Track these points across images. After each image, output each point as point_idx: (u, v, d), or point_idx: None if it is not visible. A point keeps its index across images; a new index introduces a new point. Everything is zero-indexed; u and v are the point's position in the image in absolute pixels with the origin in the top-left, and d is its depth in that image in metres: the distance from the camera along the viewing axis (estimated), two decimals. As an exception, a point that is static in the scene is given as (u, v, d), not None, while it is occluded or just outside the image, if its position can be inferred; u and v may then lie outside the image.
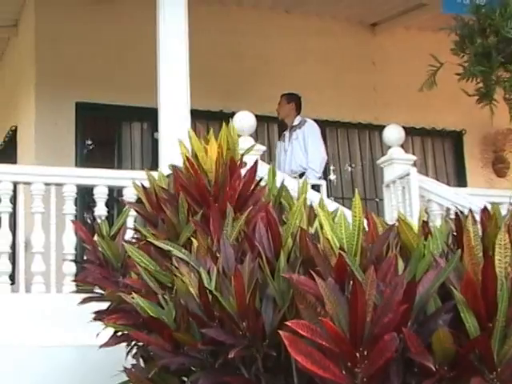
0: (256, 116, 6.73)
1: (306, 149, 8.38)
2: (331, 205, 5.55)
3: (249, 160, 3.97)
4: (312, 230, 3.16)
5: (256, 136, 7.58)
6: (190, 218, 3.49)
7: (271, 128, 10.20)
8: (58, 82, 9.11)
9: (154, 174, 4.03)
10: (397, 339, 2.45)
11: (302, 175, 8.02)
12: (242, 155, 3.78)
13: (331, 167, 10.55)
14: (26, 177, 6.15)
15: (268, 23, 10.22)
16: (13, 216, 6.36)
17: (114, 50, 9.32)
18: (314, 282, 2.66)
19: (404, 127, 7.85)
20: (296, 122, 8.68)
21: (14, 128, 10.20)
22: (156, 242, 3.46)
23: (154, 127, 7.12)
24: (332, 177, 10.54)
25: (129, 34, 9.32)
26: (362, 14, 10.59)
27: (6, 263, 5.94)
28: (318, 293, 2.63)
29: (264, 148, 6.89)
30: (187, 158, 3.60)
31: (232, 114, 6.64)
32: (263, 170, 4.03)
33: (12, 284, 6.05)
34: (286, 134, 8.73)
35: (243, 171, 3.67)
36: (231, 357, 2.87)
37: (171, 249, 3.33)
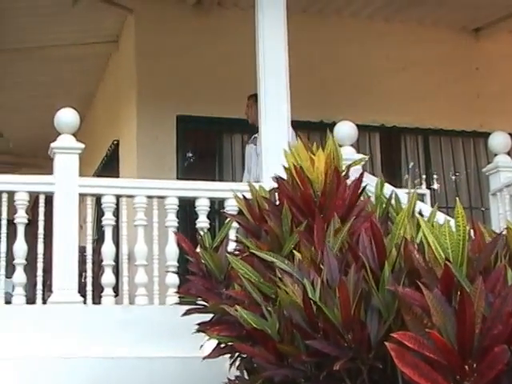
0: (356, 125, 6.71)
1: None
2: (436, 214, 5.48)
3: (351, 170, 3.98)
4: (417, 240, 3.14)
5: (357, 146, 7.55)
6: (294, 229, 3.51)
7: (372, 138, 10.15)
8: (159, 95, 9.29)
9: (256, 185, 4.07)
10: (508, 351, 2.41)
11: None
12: (349, 166, 3.78)
13: (434, 176, 10.42)
14: (128, 190, 6.28)
15: (367, 32, 10.18)
16: (116, 229, 6.51)
17: (214, 62, 9.44)
18: (420, 293, 2.64)
19: (510, 134, 7.69)
20: None
21: (116, 142, 10.44)
22: (259, 253, 3.49)
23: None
24: (436, 186, 10.40)
25: (228, 45, 9.43)
26: (464, 19, 10.43)
27: (110, 275, 6.07)
28: (425, 304, 2.61)
29: (366, 158, 6.85)
30: (295, 168, 3.61)
31: (332, 125, 6.63)
32: (367, 180, 4.01)
33: (116, 296, 6.17)
34: (257, 137, 7.68)
35: (348, 182, 3.68)
36: (336, 369, 2.87)
37: (274, 260, 3.35)
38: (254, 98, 7.81)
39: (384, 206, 3.70)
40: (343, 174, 3.69)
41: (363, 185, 3.77)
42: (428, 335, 2.51)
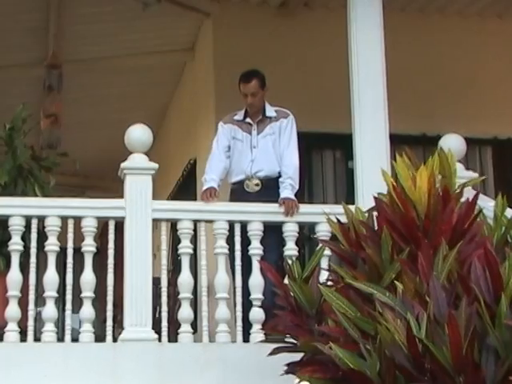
0: (465, 138, 6.64)
1: (282, 149, 7.00)
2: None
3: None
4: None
5: (466, 161, 7.48)
6: (395, 257, 3.49)
7: (484, 152, 10.03)
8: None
9: (352, 207, 4.06)
10: None
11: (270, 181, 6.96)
12: (462, 186, 3.75)
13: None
14: (207, 214, 6.32)
15: (476, 32, 10.09)
16: (194, 258, 6.56)
17: (301, 69, 9.49)
18: (544, 330, 2.60)
19: None
20: (272, 113, 7.21)
21: (193, 161, 10.56)
22: (356, 284, 3.48)
23: (349, 155, 7.17)
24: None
25: (317, 51, 9.47)
26: None
27: (188, 310, 6.11)
28: (550, 343, 2.56)
29: (476, 175, 6.78)
30: (394, 188, 3.60)
31: (437, 138, 6.58)
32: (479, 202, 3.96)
33: (194, 333, 6.22)
34: (253, 124, 7.17)
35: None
36: (446, 416, 2.84)
37: (374, 292, 3.34)
38: (256, 77, 7.20)
39: (503, 230, 3.64)
40: (456, 193, 3.65)
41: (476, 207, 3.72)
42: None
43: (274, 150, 7.02)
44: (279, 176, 6.93)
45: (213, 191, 6.50)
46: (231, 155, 7.11)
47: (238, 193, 6.94)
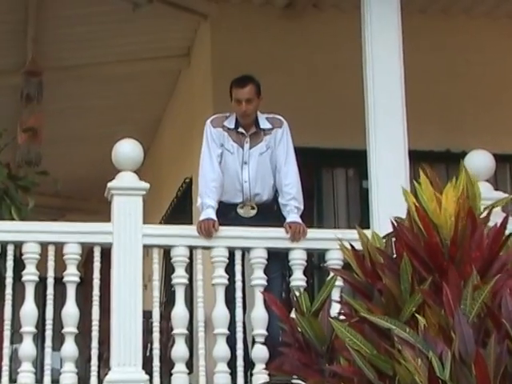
0: (494, 155, 6.65)
1: (279, 164, 6.90)
2: None
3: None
4: None
5: (495, 181, 7.48)
6: (416, 287, 3.48)
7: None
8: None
9: (367, 232, 4.06)
10: None
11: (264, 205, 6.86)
12: (491, 207, 3.74)
13: None
14: (204, 241, 6.30)
15: (506, 35, 10.11)
16: (189, 289, 6.55)
17: (309, 77, 9.50)
18: None
19: None
20: (266, 125, 7.05)
21: (188, 180, 10.56)
22: (372, 318, 3.47)
23: (363, 174, 7.18)
24: None
25: (327, 57, 9.49)
26: None
27: (183, 347, 6.10)
28: None
29: (506, 195, 6.78)
30: (417, 210, 3.59)
31: (462, 154, 6.58)
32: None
33: (189, 373, 6.21)
34: (246, 136, 6.97)
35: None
36: None
37: (392, 326, 3.34)
38: (252, 83, 7.07)
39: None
40: (481, 216, 3.65)
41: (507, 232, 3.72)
42: None
43: (271, 166, 6.91)
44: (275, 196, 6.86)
45: (211, 223, 6.38)
46: None
47: (230, 217, 6.73)
